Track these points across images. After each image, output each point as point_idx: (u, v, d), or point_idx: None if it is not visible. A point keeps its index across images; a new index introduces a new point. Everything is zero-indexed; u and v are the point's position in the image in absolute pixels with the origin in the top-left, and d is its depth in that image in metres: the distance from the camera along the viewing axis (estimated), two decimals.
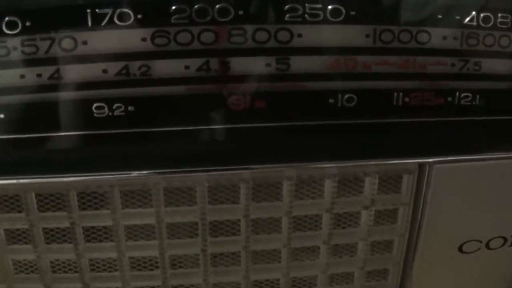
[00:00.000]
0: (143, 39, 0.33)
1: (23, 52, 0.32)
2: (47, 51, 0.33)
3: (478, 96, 0.38)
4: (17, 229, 0.38)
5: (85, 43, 0.33)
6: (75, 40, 0.33)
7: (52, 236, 0.39)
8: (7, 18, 0.32)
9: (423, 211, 0.40)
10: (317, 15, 0.34)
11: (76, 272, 0.40)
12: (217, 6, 0.33)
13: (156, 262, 0.40)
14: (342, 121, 0.37)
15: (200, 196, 0.38)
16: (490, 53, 0.37)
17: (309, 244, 0.41)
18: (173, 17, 0.33)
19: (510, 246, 0.43)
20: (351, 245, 0.42)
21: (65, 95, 0.34)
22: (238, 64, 0.34)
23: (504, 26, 0.36)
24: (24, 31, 0.32)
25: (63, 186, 0.36)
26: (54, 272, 0.40)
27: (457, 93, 0.37)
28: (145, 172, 0.37)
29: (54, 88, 0.33)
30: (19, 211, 0.37)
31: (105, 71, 0.33)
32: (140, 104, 0.34)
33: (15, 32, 0.32)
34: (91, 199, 0.38)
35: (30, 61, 0.33)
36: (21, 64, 0.33)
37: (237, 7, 0.33)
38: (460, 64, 0.37)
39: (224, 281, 0.42)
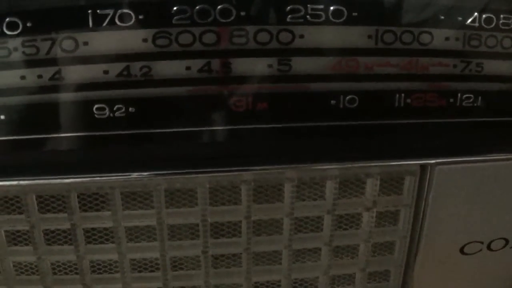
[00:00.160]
0: (145, 40, 0.33)
1: (24, 53, 0.32)
2: (48, 52, 0.32)
3: (480, 98, 0.37)
4: (18, 231, 0.38)
5: (86, 44, 0.33)
6: (76, 41, 0.32)
7: (53, 237, 0.39)
8: (8, 19, 0.32)
9: (424, 212, 0.40)
10: (319, 16, 0.34)
11: (76, 273, 0.40)
12: (219, 7, 0.33)
13: (157, 264, 0.40)
14: (343, 122, 0.37)
15: (201, 198, 0.38)
16: (492, 55, 0.37)
17: (310, 246, 0.41)
18: (174, 18, 0.33)
19: (511, 247, 0.43)
20: (353, 247, 0.42)
21: (66, 96, 0.34)
22: (240, 65, 0.34)
23: (506, 27, 0.36)
24: (25, 32, 0.32)
25: (64, 187, 0.36)
26: (54, 273, 0.40)
27: (459, 95, 0.37)
28: (146, 173, 0.36)
29: (55, 89, 0.33)
30: (20, 213, 0.37)
31: (106, 72, 0.33)
32: (141, 105, 0.34)
33: (16, 33, 0.32)
34: (92, 201, 0.37)
35: (31, 62, 0.33)
36: (22, 65, 0.33)
37: (238, 8, 0.33)
38: (462, 65, 0.37)
39: (225, 282, 0.42)
